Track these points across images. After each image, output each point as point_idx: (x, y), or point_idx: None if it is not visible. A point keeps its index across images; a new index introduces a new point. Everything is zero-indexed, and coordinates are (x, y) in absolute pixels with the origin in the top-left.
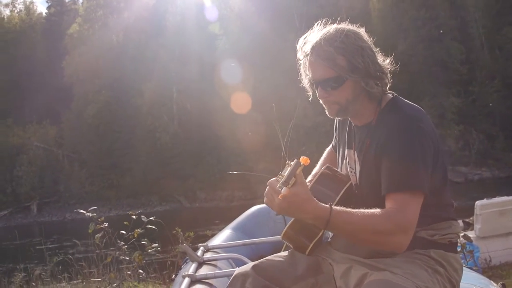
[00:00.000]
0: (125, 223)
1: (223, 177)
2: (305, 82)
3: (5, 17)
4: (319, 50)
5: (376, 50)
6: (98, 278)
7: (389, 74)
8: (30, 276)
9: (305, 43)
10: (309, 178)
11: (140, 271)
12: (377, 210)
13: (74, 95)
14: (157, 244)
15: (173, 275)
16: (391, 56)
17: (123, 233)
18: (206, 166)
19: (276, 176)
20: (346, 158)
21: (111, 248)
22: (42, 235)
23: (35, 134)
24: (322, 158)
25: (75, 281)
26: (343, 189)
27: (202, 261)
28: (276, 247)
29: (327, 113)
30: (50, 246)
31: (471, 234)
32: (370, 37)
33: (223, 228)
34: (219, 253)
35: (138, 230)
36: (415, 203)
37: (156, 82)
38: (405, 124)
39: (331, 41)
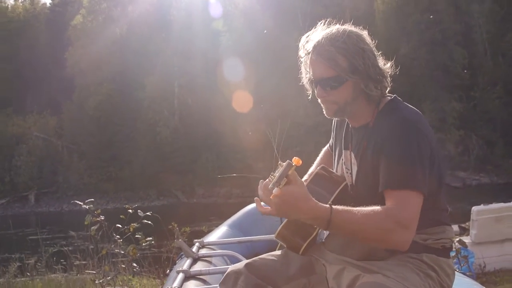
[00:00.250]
0: (121, 216)
1: (221, 174)
2: (305, 80)
3: (9, 6)
4: (320, 49)
5: (377, 53)
6: (92, 271)
7: (389, 78)
8: (25, 266)
9: (307, 41)
10: (305, 177)
11: (134, 264)
12: (376, 207)
13: (76, 86)
14: (151, 238)
15: (168, 270)
16: (392, 60)
17: (119, 227)
18: (205, 162)
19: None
20: (342, 158)
21: (107, 241)
22: (38, 225)
23: (35, 124)
24: (318, 158)
25: (69, 273)
26: (337, 189)
27: (197, 257)
28: (271, 246)
29: (324, 112)
30: (46, 236)
31: (466, 239)
32: (372, 40)
33: (219, 224)
34: (214, 250)
35: (134, 224)
36: (415, 201)
37: (159, 76)
38: (402, 125)
39: (333, 41)
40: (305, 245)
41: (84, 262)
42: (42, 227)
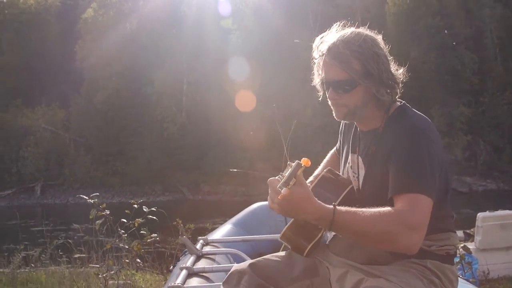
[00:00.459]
0: (126, 211)
1: (227, 172)
2: (317, 81)
3: None
4: (335, 52)
5: (390, 58)
6: (96, 265)
7: (400, 84)
8: (29, 258)
9: (321, 43)
10: (310, 179)
11: (138, 260)
12: (385, 209)
13: (84, 79)
14: (156, 234)
15: (171, 266)
16: (403, 63)
17: (124, 221)
18: (211, 160)
19: (276, 176)
20: (349, 162)
21: (111, 235)
22: (43, 217)
23: (43, 116)
24: (324, 160)
25: (73, 266)
26: (343, 192)
27: (200, 254)
28: (275, 245)
29: (334, 115)
30: (51, 228)
31: (471, 245)
32: (386, 45)
33: (223, 222)
34: (218, 248)
35: (139, 219)
36: (425, 205)
37: (167, 73)
38: (412, 132)
39: (349, 44)
40: (309, 247)
41: (86, 255)
42: (47, 218)
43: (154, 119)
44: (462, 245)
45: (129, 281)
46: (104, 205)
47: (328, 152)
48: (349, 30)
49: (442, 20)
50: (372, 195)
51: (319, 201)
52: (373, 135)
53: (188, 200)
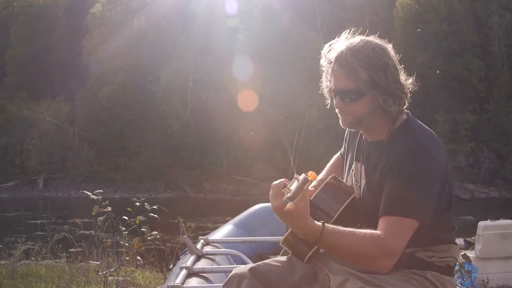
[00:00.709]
0: (128, 209)
1: (229, 171)
2: (324, 88)
3: None
4: (343, 61)
5: (400, 67)
6: (96, 261)
7: (409, 94)
8: (30, 251)
9: (329, 50)
10: (314, 183)
11: (138, 257)
12: (368, 233)
13: (90, 74)
14: (156, 232)
15: (171, 265)
16: (410, 70)
17: (125, 219)
18: (214, 158)
19: (277, 180)
20: (352, 169)
21: (112, 232)
22: (45, 210)
23: (48, 109)
24: (328, 165)
25: (74, 261)
26: (347, 200)
27: (201, 254)
28: (276, 248)
29: (340, 123)
30: (53, 221)
31: (471, 254)
32: (396, 54)
33: (224, 222)
34: (219, 248)
35: (140, 217)
36: (407, 229)
37: (173, 70)
38: (415, 150)
39: (357, 54)
40: (310, 253)
41: (87, 250)
42: (49, 212)
43: (159, 115)
44: (462, 253)
45: (128, 278)
46: (107, 202)
47: (331, 155)
48: (358, 39)
49: (450, 26)
50: (371, 206)
51: (311, 219)
52: (377, 147)
53: (190, 197)
